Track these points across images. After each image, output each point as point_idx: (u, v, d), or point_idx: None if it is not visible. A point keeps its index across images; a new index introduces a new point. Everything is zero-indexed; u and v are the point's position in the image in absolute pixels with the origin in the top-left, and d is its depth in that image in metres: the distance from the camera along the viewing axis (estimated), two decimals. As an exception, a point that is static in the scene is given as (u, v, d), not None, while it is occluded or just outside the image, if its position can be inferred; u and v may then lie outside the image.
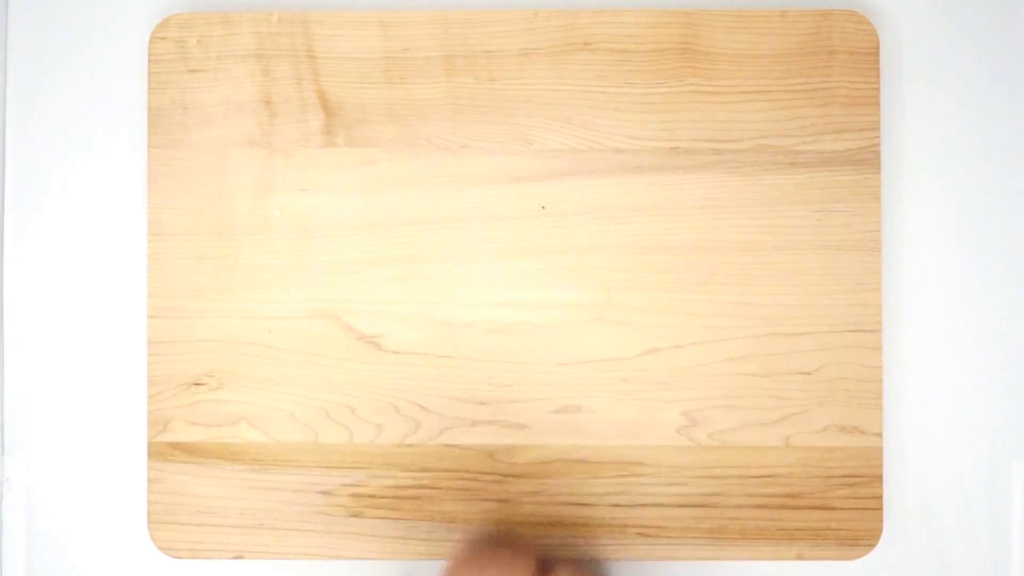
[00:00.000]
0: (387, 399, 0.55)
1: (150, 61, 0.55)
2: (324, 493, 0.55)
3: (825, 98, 0.55)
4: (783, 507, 0.54)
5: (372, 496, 0.55)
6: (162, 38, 0.55)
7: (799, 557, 0.54)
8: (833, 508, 0.54)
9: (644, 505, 0.54)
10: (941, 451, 0.56)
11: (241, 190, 0.55)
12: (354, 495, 0.55)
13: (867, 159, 0.55)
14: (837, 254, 0.54)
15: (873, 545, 0.54)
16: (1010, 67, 0.56)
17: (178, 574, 0.56)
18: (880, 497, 0.54)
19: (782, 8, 0.55)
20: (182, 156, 0.55)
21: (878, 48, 0.55)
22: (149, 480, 0.55)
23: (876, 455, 0.54)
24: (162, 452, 0.55)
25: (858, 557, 0.54)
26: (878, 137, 0.55)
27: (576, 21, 0.55)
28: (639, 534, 0.54)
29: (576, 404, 0.54)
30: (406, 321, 0.55)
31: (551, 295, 0.55)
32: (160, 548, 0.55)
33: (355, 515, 0.55)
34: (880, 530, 0.54)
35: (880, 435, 0.54)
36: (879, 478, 0.54)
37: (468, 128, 0.55)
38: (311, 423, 0.55)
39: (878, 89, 0.55)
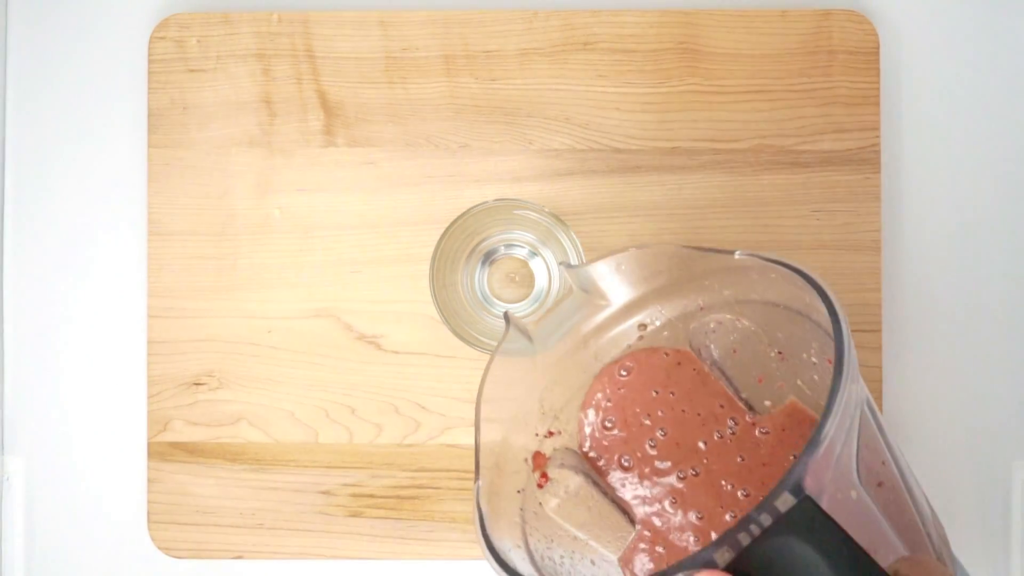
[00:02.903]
0: (387, 399, 0.55)
1: (150, 61, 0.55)
2: (324, 493, 0.55)
3: (825, 98, 0.55)
4: (783, 507, 0.54)
5: (372, 496, 0.55)
6: (162, 38, 0.55)
7: (799, 557, 0.54)
8: (833, 508, 0.54)
9: (644, 505, 0.54)
10: (941, 451, 0.56)
11: (241, 190, 0.55)
12: (354, 495, 0.55)
13: (867, 159, 0.55)
14: (837, 254, 0.54)
15: (873, 545, 0.54)
16: (1010, 67, 0.56)
17: (178, 574, 0.56)
18: (880, 497, 0.54)
19: (782, 8, 0.55)
20: (182, 156, 0.55)
21: (878, 48, 0.55)
22: (149, 480, 0.55)
23: (876, 455, 0.54)
24: (162, 452, 0.55)
25: (858, 557, 0.54)
26: (878, 137, 0.55)
27: (576, 21, 0.55)
28: (639, 534, 0.54)
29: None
30: (406, 321, 0.55)
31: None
32: (160, 548, 0.55)
33: (355, 515, 0.55)
34: (880, 530, 0.54)
35: (880, 435, 0.54)
36: (879, 478, 0.54)
37: (468, 128, 0.55)
38: (311, 423, 0.55)
39: (878, 89, 0.55)
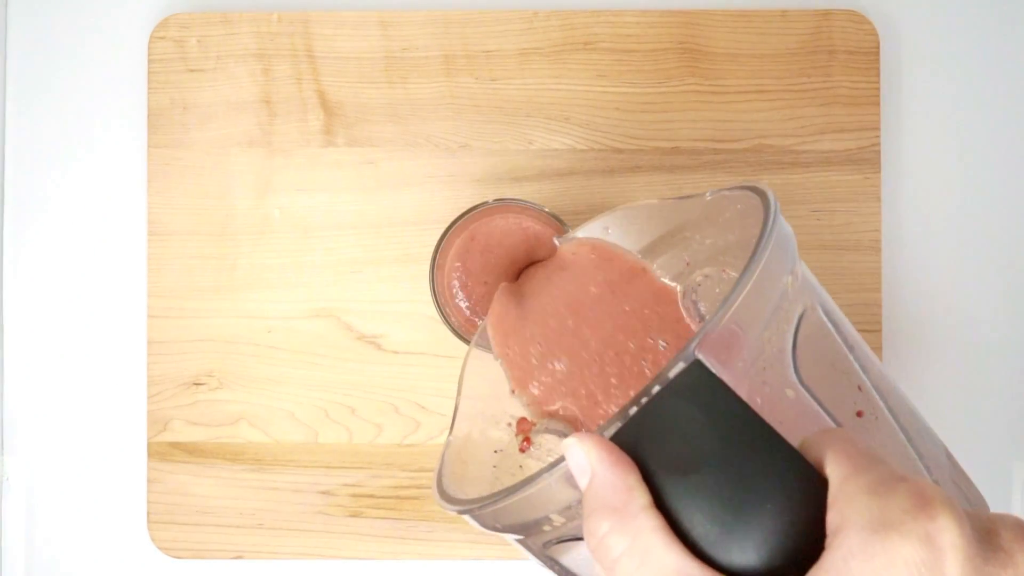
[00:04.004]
0: (387, 399, 0.55)
1: (150, 61, 0.55)
2: (324, 493, 0.55)
3: (825, 98, 0.55)
4: (783, 507, 0.54)
5: (372, 496, 0.55)
6: (162, 38, 0.55)
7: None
8: (833, 508, 0.54)
9: (644, 505, 0.54)
10: (941, 451, 0.56)
11: (241, 190, 0.55)
12: (354, 495, 0.55)
13: (867, 159, 0.55)
14: (837, 254, 0.54)
15: (873, 545, 0.54)
16: (1010, 67, 0.56)
17: (178, 574, 0.56)
18: (880, 497, 0.54)
19: (782, 8, 0.55)
20: (182, 156, 0.55)
21: (878, 48, 0.55)
22: (149, 480, 0.55)
23: (876, 455, 0.54)
24: (162, 452, 0.55)
25: (858, 557, 0.54)
26: (878, 137, 0.55)
27: (576, 21, 0.55)
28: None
29: (576, 404, 0.54)
30: (406, 321, 0.55)
31: (551, 295, 0.54)
32: (160, 548, 0.55)
33: (355, 515, 0.55)
34: (880, 530, 0.54)
35: (880, 435, 0.54)
36: (879, 478, 0.54)
37: (468, 128, 0.55)
38: (311, 423, 0.55)
39: (878, 89, 0.55)
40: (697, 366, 0.28)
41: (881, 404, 0.37)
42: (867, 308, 0.54)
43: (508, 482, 0.41)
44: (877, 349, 0.54)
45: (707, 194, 0.40)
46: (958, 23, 0.56)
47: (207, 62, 0.55)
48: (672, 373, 0.28)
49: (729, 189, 0.39)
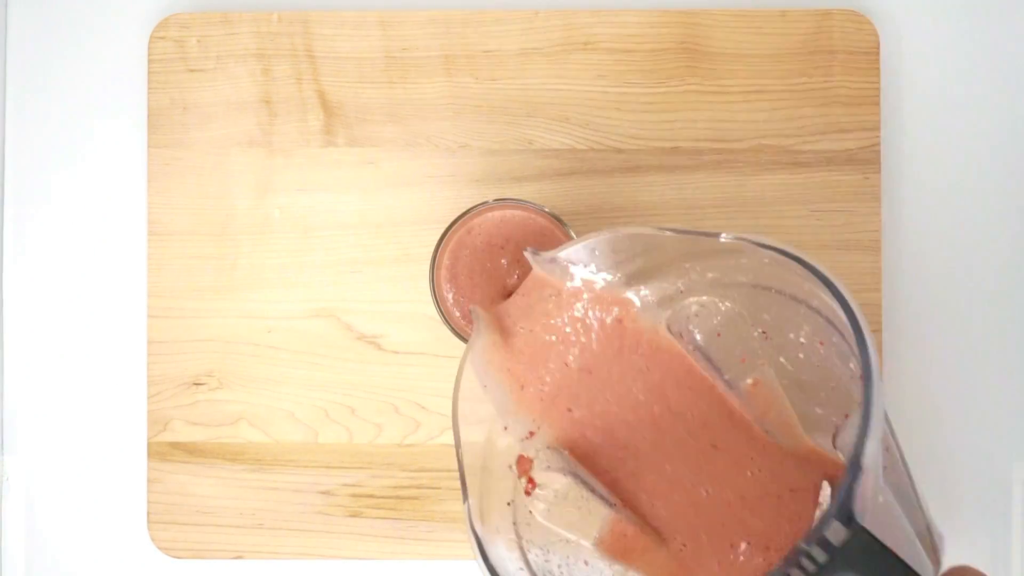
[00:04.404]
0: (387, 399, 0.55)
1: (150, 61, 0.55)
2: (324, 493, 0.55)
3: (825, 98, 0.55)
4: (783, 507, 0.54)
5: (372, 496, 0.55)
6: (162, 38, 0.55)
7: (799, 557, 0.54)
8: (833, 508, 0.54)
9: (644, 505, 0.54)
10: (941, 451, 0.56)
11: (241, 190, 0.55)
12: (354, 495, 0.55)
13: (867, 159, 0.55)
14: (837, 254, 0.54)
15: (873, 545, 0.54)
16: (1010, 67, 0.56)
17: (178, 574, 0.56)
18: (880, 497, 0.54)
19: (782, 8, 0.55)
20: (182, 156, 0.55)
21: (878, 48, 0.55)
22: (149, 480, 0.55)
23: (876, 455, 0.54)
24: (162, 452, 0.55)
25: (858, 557, 0.54)
26: (878, 137, 0.55)
27: (576, 21, 0.55)
28: (639, 534, 0.54)
29: (576, 404, 0.54)
30: (406, 321, 0.55)
31: (551, 295, 0.54)
32: (160, 548, 0.55)
33: (355, 515, 0.55)
34: (880, 530, 0.54)
35: (880, 435, 0.54)
36: (879, 478, 0.54)
37: (468, 128, 0.55)
38: (311, 423, 0.55)
39: (878, 89, 0.55)
40: (863, 533, 0.27)
41: (897, 454, 0.36)
42: (867, 308, 0.54)
43: (530, 538, 0.40)
44: (877, 349, 0.54)
45: (721, 236, 0.38)
46: (958, 23, 0.56)
47: (207, 62, 0.55)
48: (835, 538, 0.27)
49: (761, 244, 0.37)
